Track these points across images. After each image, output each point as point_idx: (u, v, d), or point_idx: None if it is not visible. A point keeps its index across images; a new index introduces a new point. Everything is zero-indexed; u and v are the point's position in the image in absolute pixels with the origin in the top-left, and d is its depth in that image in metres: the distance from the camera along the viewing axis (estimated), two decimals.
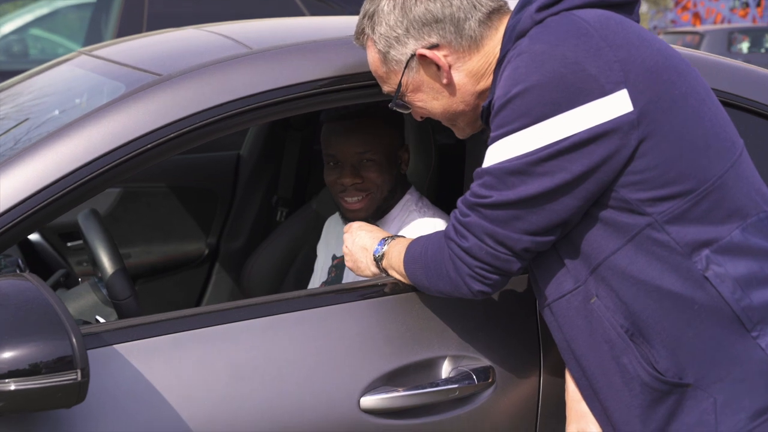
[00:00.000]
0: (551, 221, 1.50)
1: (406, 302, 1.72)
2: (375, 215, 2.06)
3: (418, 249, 1.65)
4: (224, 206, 3.18)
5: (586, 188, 1.47)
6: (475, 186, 1.54)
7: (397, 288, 1.73)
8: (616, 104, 1.45)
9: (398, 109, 1.69)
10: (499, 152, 1.49)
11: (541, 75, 1.46)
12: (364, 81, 1.76)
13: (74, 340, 1.28)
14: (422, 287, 1.67)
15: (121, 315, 1.75)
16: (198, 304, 3.12)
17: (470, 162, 1.94)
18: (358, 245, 1.82)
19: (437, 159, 2.76)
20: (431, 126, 2.71)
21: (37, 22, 5.37)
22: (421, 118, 1.73)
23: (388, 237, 1.78)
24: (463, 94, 1.63)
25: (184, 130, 1.63)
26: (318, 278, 2.28)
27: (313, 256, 2.93)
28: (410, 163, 2.14)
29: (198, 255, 3.14)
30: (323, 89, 1.74)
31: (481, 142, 1.84)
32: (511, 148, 1.48)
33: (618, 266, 1.51)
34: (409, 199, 2.11)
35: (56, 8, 5.51)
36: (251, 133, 3.18)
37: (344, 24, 2.08)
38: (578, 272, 1.54)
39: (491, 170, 1.51)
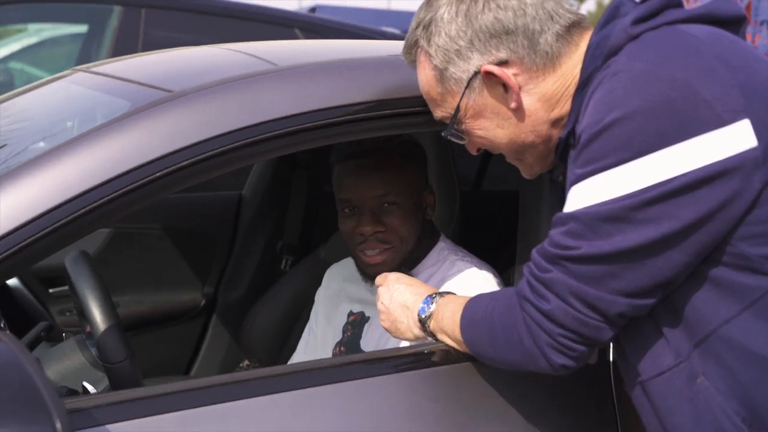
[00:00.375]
0: (653, 280, 1.21)
1: (460, 374, 1.42)
2: (401, 268, 1.76)
3: (480, 310, 1.35)
4: (223, 252, 2.89)
5: (698, 240, 1.20)
6: (557, 234, 1.25)
7: (449, 357, 1.43)
8: (737, 137, 1.18)
9: (453, 139, 1.41)
10: (589, 193, 1.22)
11: (644, 99, 1.19)
12: (410, 107, 1.49)
13: (59, 424, 0.96)
14: (484, 357, 1.37)
15: (114, 381, 1.43)
16: (192, 361, 2.82)
17: (527, 207, 1.64)
18: (397, 302, 1.52)
19: (461, 204, 2.51)
20: (453, 164, 2.48)
21: (22, 53, 5.07)
22: (478, 151, 1.45)
23: (436, 293, 1.48)
24: (534, 122, 1.35)
25: (202, 156, 1.35)
26: (318, 347, 1.95)
27: None
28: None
29: (193, 306, 2.84)
30: (362, 114, 1.47)
31: (538, 183, 1.57)
32: (605, 188, 1.21)
33: (732, 338, 1.23)
34: (443, 246, 1.82)
35: (44, 39, 5.22)
36: (255, 172, 2.90)
37: (381, 46, 1.80)
38: (680, 344, 1.26)
39: (579, 215, 1.22)
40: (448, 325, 1.41)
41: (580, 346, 1.25)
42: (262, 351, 2.67)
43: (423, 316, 1.46)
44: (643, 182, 1.18)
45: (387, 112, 1.48)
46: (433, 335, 1.46)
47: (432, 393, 1.39)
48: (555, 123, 1.35)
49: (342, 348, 1.84)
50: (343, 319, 1.88)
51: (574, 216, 1.23)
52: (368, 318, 1.83)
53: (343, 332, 1.87)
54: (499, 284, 1.70)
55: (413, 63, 1.41)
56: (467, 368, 1.42)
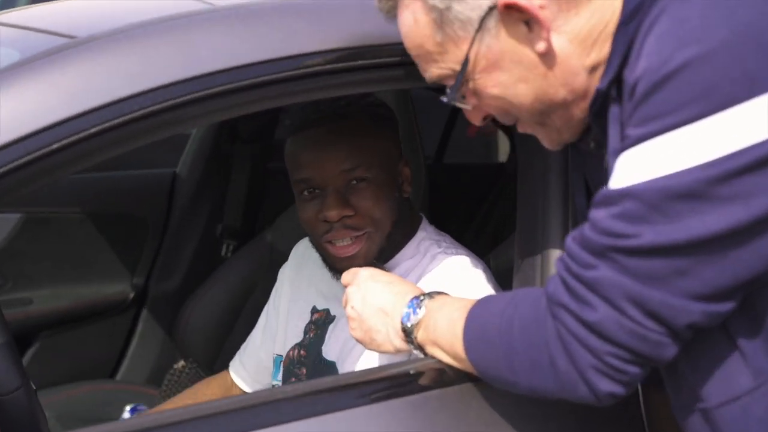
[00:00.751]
0: (735, 278, 0.92)
1: (458, 399, 1.11)
2: (373, 262, 1.42)
3: (492, 318, 1.05)
4: (155, 238, 2.56)
5: None
6: (605, 218, 0.94)
7: (443, 377, 1.12)
8: None
9: (457, 104, 1.09)
10: (651, 162, 0.91)
11: (730, 30, 0.89)
12: (388, 57, 1.17)
13: None
14: (497, 380, 1.06)
15: (5, 416, 1.09)
16: (120, 361, 2.51)
17: (529, 189, 1.33)
18: (371, 306, 1.20)
19: (427, 175, 2.21)
20: (418, 129, 2.17)
21: None
22: (484, 119, 1.13)
23: (423, 294, 1.17)
24: (566, 72, 1.03)
25: (118, 120, 1.02)
26: (278, 337, 1.62)
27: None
28: None
29: (121, 299, 2.50)
30: (328, 66, 1.14)
31: (542, 157, 1.27)
32: (675, 154, 0.90)
33: None
34: (424, 236, 1.49)
35: None
36: (190, 147, 2.57)
37: None
38: (762, 361, 0.96)
39: (639, 192, 0.92)
40: (444, 337, 1.10)
41: (633, 368, 0.95)
42: (199, 349, 2.39)
43: (408, 325, 1.14)
44: (730, 145, 0.88)
45: (358, 63, 1.16)
46: (421, 348, 1.15)
47: (421, 426, 1.08)
48: (592, 71, 1.04)
49: (302, 352, 1.52)
50: (306, 315, 1.56)
51: (632, 193, 0.92)
52: (333, 318, 1.51)
53: (305, 332, 1.55)
54: (495, 287, 1.38)
55: (392, 9, 1.08)
56: (467, 391, 1.11)
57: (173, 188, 2.57)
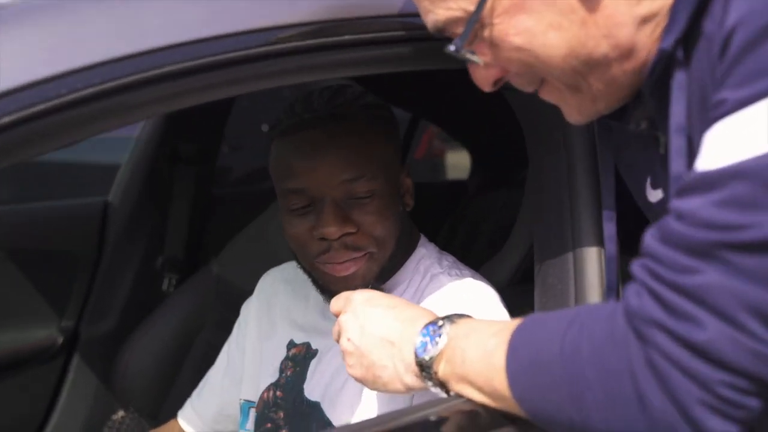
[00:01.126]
0: None
1: None
2: (371, 283, 1.19)
3: (547, 342, 0.81)
4: (85, 275, 2.27)
5: None
6: (705, 206, 0.73)
7: (477, 422, 0.87)
8: None
9: (467, 57, 0.87)
10: (763, 129, 0.70)
11: None
12: (391, 31, 0.95)
13: None
14: (554, 423, 0.82)
15: None
16: (48, 416, 2.20)
17: (542, 181, 1.12)
18: (373, 336, 0.97)
19: None
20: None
21: None
22: (496, 82, 0.91)
23: (440, 319, 0.93)
24: (610, 20, 0.82)
25: (39, 108, 0.76)
26: (245, 380, 1.36)
27: (219, 340, 2.06)
28: None
29: (48, 345, 2.19)
30: (313, 42, 0.91)
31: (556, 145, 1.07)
32: None
33: None
34: (424, 254, 1.27)
35: None
36: (124, 171, 2.30)
37: None
38: None
39: (750, 170, 0.70)
40: (477, 370, 0.86)
41: (753, 400, 0.73)
42: (141, 397, 2.12)
43: (425, 357, 0.91)
44: None
45: (345, 39, 0.93)
46: (442, 386, 0.91)
47: None
48: (642, 24, 0.83)
49: (279, 393, 1.27)
50: (281, 352, 1.31)
51: (741, 172, 0.71)
52: (314, 352, 1.26)
53: (281, 371, 1.29)
54: (503, 313, 1.15)
55: None
56: None
57: (105, 219, 2.28)
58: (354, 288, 1.11)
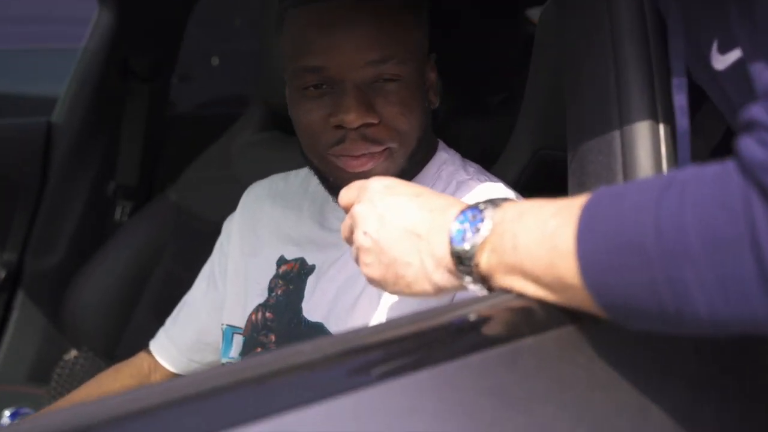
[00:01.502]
0: None
1: (555, 355, 0.69)
2: None
3: (635, 213, 0.63)
4: (28, 203, 2.06)
5: None
6: None
7: (531, 321, 0.71)
8: None
9: None
10: None
11: None
12: None
13: None
14: (643, 313, 0.63)
15: None
16: None
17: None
18: (396, 228, 0.79)
19: None
20: None
21: None
22: None
23: (481, 202, 0.76)
24: None
25: None
26: (227, 304, 1.19)
27: (180, 272, 1.88)
28: None
29: None
30: None
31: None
32: None
33: None
34: (446, 158, 1.10)
35: None
36: (69, 88, 2.07)
37: None
38: None
39: None
40: (535, 256, 0.68)
41: None
42: (95, 335, 1.95)
43: (465, 247, 0.74)
44: None
45: None
46: (485, 280, 0.74)
47: (497, 399, 0.68)
48: None
49: (268, 314, 1.09)
50: (269, 270, 1.13)
51: None
52: (311, 268, 1.09)
53: (270, 290, 1.12)
54: None
55: None
56: (573, 339, 0.70)
57: (49, 141, 2.07)
58: None
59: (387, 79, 0.98)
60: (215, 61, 2.89)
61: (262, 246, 1.15)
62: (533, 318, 0.70)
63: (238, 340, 1.16)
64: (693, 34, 0.85)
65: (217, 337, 1.19)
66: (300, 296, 1.07)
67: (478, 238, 0.73)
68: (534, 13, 2.46)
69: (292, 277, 1.10)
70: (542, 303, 0.70)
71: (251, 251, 1.17)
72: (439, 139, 1.12)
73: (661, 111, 0.87)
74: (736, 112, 0.84)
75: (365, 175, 0.97)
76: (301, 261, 1.10)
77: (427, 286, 0.78)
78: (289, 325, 1.06)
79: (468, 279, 0.75)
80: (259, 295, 1.12)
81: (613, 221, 0.65)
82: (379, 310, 1.00)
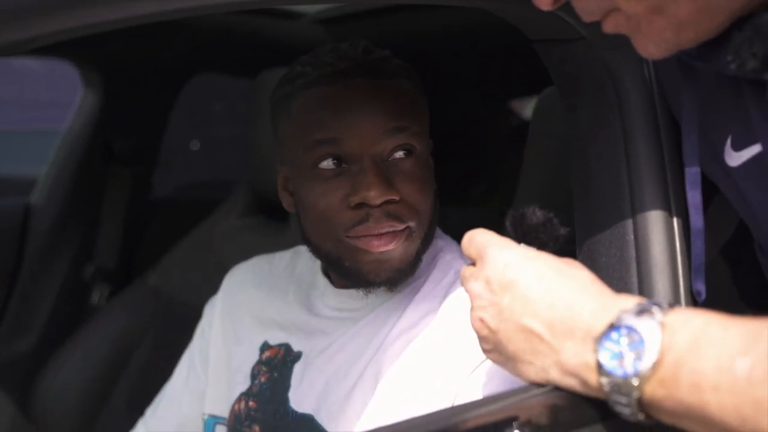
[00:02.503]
0: None
1: None
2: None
3: None
4: (2, 286, 1.97)
5: None
6: None
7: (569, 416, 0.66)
8: None
9: None
10: None
11: None
12: None
13: None
14: None
15: None
16: None
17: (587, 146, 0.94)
18: (515, 323, 0.72)
19: None
20: None
21: None
22: (557, 1, 0.72)
23: (637, 311, 0.65)
24: None
25: None
26: (208, 393, 1.12)
27: (158, 360, 1.80)
28: None
29: None
30: None
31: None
32: None
33: None
34: (442, 246, 1.04)
35: None
36: (51, 168, 2.02)
37: None
38: None
39: None
40: (728, 405, 0.59)
41: None
42: (66, 425, 1.83)
43: (624, 376, 0.64)
44: None
45: None
46: (640, 407, 0.65)
47: None
48: None
49: (251, 403, 1.02)
50: (252, 356, 1.07)
51: None
52: (298, 355, 1.03)
53: (252, 377, 1.05)
54: None
55: None
56: None
57: (26, 223, 2.00)
58: (387, 271, 0.92)
59: (403, 155, 0.95)
60: (195, 145, 2.86)
61: (245, 330, 1.09)
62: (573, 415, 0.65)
63: (221, 431, 1.09)
64: (706, 132, 0.83)
65: (198, 428, 1.12)
66: (286, 385, 1.00)
67: (643, 368, 0.63)
68: (518, 103, 2.47)
69: (276, 364, 1.03)
70: (583, 398, 0.65)
71: (234, 336, 1.10)
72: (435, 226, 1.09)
73: (674, 206, 0.85)
74: (750, 208, 0.82)
75: (386, 257, 0.93)
76: (286, 347, 1.04)
77: (545, 383, 0.71)
78: (275, 416, 0.99)
79: (620, 405, 0.65)
80: (242, 383, 1.05)
81: None
82: (374, 403, 0.93)
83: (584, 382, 0.67)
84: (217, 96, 2.55)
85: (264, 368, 1.04)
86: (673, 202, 0.84)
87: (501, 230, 1.48)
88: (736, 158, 0.80)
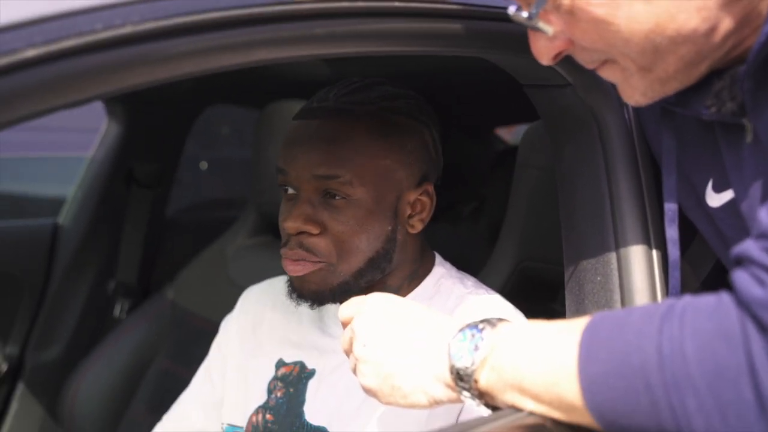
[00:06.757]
0: None
1: None
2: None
3: (637, 339, 0.61)
4: (32, 299, 1.95)
5: None
6: None
7: None
8: None
9: (535, 25, 0.68)
10: None
11: None
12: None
13: None
14: None
15: None
16: None
17: (575, 178, 0.94)
18: (392, 342, 0.75)
19: None
20: None
21: None
22: (556, 56, 0.73)
23: (479, 322, 0.72)
24: None
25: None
26: (227, 403, 1.11)
27: (175, 368, 1.80)
28: None
29: None
30: (339, 5, 0.70)
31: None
32: None
33: None
34: (443, 273, 1.04)
35: None
36: (76, 193, 2.01)
37: None
38: None
39: None
40: (535, 376, 0.65)
41: None
42: (89, 428, 1.81)
43: (466, 365, 0.70)
44: None
45: (384, 5, 0.72)
46: (482, 396, 0.70)
47: None
48: (732, 3, 0.66)
49: (268, 416, 1.02)
50: (268, 372, 1.07)
51: None
52: (311, 372, 1.03)
53: (269, 391, 1.05)
54: None
55: None
56: None
57: (55, 241, 1.99)
58: (312, 290, 0.96)
59: (333, 195, 0.96)
60: (204, 165, 2.85)
61: (263, 348, 1.09)
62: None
63: None
64: (685, 173, 0.83)
65: None
66: (301, 400, 1.00)
67: (478, 356, 0.69)
68: (505, 132, 2.48)
69: (292, 380, 1.03)
70: (551, 421, 0.66)
71: (251, 353, 1.10)
72: (435, 253, 1.08)
73: (653, 240, 0.85)
74: (728, 247, 0.82)
75: (303, 280, 0.97)
76: (301, 364, 1.04)
77: (422, 399, 0.73)
78: (291, 428, 0.99)
79: (467, 394, 0.71)
80: (259, 397, 1.04)
81: (616, 346, 0.62)
82: (382, 417, 0.94)
83: (445, 382, 0.72)
84: (221, 119, 2.54)
85: (280, 384, 1.04)
86: (653, 236, 0.84)
87: (488, 245, 1.47)
88: (716, 199, 0.80)
